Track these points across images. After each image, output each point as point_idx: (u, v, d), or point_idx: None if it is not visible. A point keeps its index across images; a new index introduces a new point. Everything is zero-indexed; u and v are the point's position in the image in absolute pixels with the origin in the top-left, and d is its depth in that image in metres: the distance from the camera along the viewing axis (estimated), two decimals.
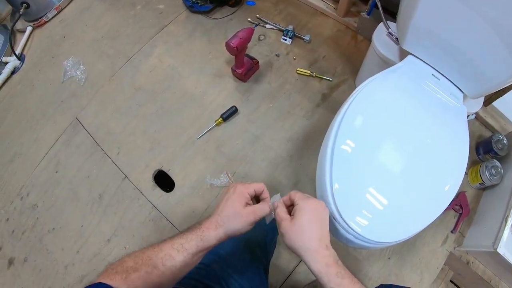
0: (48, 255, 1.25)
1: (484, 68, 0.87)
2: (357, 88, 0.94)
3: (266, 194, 0.62)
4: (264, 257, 0.89)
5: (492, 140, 1.26)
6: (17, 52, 1.58)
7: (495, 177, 1.20)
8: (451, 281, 1.25)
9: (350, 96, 0.92)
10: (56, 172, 1.36)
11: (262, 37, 1.57)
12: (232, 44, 1.21)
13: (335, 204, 0.77)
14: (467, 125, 0.93)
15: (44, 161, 1.38)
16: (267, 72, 1.49)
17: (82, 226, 1.27)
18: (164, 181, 1.32)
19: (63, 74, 1.51)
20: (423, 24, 0.91)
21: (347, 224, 0.76)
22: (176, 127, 1.39)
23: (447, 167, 0.85)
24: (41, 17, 1.65)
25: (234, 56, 1.31)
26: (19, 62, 1.58)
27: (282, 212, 0.58)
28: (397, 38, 1.13)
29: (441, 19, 0.86)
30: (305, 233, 0.54)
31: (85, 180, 1.33)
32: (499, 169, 1.21)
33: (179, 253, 0.51)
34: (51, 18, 1.68)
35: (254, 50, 1.54)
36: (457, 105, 0.94)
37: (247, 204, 0.58)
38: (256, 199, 0.64)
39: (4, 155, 1.42)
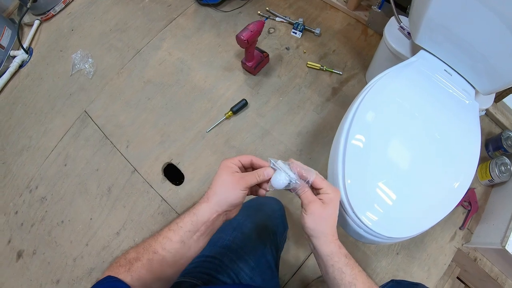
0: (57, 247, 1.28)
1: (497, 65, 0.88)
2: (369, 83, 0.96)
3: (259, 163, 0.61)
4: (275, 251, 0.91)
5: (502, 137, 1.27)
6: (24, 46, 1.60)
7: (504, 174, 1.22)
8: (457, 277, 1.28)
9: (362, 91, 0.94)
10: (65, 165, 1.38)
11: (272, 30, 1.59)
12: (242, 37, 1.22)
13: (347, 198, 0.79)
14: (479, 122, 0.95)
15: (53, 154, 1.41)
16: (277, 66, 1.51)
17: (91, 219, 1.30)
18: (173, 174, 1.35)
19: (71, 67, 1.54)
20: (436, 19, 0.92)
21: (358, 218, 0.79)
22: (185, 121, 1.41)
23: (458, 164, 0.87)
24: (49, 10, 1.67)
25: (244, 49, 1.33)
26: (27, 55, 1.60)
27: (311, 194, 0.58)
28: (408, 33, 1.15)
29: (455, 14, 0.87)
30: (330, 219, 0.56)
31: (94, 173, 1.36)
32: (509, 166, 1.22)
33: (175, 233, 0.52)
34: (59, 12, 1.70)
35: (264, 43, 1.56)
36: (469, 101, 0.96)
37: (235, 172, 0.58)
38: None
39: (13, 148, 1.45)
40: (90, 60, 1.53)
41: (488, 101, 1.07)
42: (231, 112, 1.38)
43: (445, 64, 1.02)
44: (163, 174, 1.34)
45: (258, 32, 1.26)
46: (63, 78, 1.54)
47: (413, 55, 1.05)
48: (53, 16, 1.69)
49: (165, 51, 1.54)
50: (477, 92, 0.98)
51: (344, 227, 0.87)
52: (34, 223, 1.32)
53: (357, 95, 0.94)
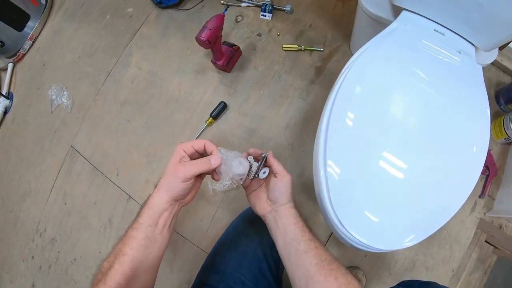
0: (75, 285, 1.21)
1: (497, 12, 0.65)
2: (348, 62, 0.75)
3: (210, 149, 0.55)
4: (274, 265, 0.77)
5: None
6: (4, 92, 1.46)
7: None
8: (486, 241, 1.10)
9: (343, 70, 0.74)
10: (65, 203, 1.28)
11: (239, 18, 1.36)
12: (202, 38, 1.02)
13: (332, 207, 0.62)
14: (484, 81, 0.73)
15: (52, 195, 1.31)
16: (251, 56, 1.29)
17: (100, 252, 1.21)
18: None
19: (50, 104, 1.39)
20: None
21: (348, 232, 0.62)
22: (168, 136, 1.25)
23: (469, 128, 0.68)
24: (18, 50, 1.50)
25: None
26: (8, 101, 1.47)
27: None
28: None
29: None
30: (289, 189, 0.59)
31: (92, 207, 1.25)
32: None
33: (139, 231, 0.50)
34: (28, 49, 1.52)
35: (233, 34, 1.33)
36: (469, 59, 0.73)
37: (181, 162, 0.53)
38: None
39: (16, 195, 1.36)
40: (65, 93, 1.38)
41: (492, 55, 0.82)
42: (211, 118, 1.20)
43: (434, 23, 0.78)
44: None
45: (219, 28, 1.05)
46: (45, 116, 1.40)
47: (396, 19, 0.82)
48: (24, 55, 1.52)
49: (134, 67, 1.35)
50: (477, 49, 0.75)
51: (336, 235, 0.70)
52: (51, 265, 1.25)
53: (334, 84, 0.74)
